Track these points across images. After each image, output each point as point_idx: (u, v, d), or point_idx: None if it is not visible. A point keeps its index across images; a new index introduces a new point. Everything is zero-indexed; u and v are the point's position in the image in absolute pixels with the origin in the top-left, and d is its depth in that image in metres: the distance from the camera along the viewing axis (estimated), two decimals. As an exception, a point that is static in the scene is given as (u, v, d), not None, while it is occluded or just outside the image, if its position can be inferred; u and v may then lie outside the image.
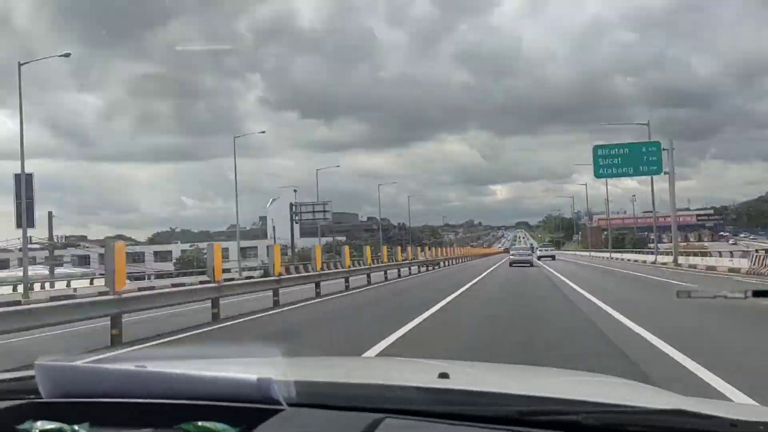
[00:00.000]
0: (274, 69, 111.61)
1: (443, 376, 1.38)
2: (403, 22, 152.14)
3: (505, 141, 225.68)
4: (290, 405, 1.17)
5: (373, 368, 2.18)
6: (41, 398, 1.25)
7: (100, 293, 12.08)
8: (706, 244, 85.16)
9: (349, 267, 23.32)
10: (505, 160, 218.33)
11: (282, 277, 16.95)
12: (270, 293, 15.88)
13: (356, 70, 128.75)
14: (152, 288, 17.83)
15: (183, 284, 19.23)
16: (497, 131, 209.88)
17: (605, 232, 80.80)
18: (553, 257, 56.33)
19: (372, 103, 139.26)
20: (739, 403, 4.15)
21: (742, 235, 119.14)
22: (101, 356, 7.62)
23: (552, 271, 30.81)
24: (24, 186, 28.69)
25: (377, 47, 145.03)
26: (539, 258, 53.28)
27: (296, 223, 63.44)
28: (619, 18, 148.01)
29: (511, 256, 41.93)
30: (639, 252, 51.17)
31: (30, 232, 32.11)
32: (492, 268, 35.61)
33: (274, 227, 58.68)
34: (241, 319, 12.66)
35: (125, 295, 10.14)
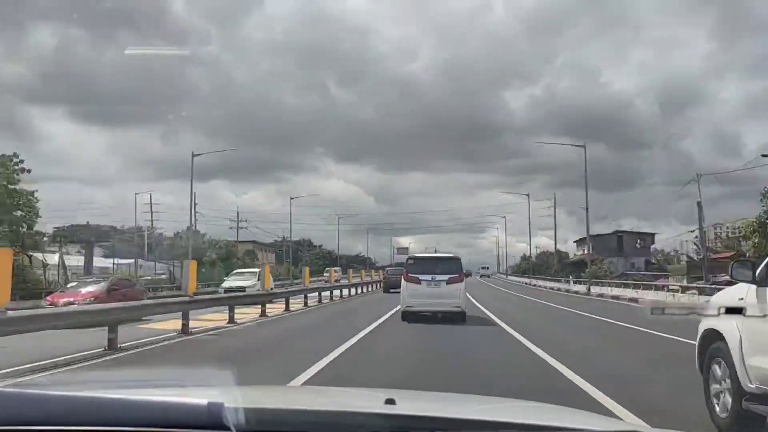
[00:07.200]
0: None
1: (390, 402, 1.47)
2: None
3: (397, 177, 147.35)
4: None
5: (321, 396, 2.26)
6: None
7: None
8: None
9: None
10: (404, 206, 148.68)
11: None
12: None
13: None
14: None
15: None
16: (384, 165, 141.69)
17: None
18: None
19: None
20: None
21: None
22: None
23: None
24: None
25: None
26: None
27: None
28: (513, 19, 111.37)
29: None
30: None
31: None
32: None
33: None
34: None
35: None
